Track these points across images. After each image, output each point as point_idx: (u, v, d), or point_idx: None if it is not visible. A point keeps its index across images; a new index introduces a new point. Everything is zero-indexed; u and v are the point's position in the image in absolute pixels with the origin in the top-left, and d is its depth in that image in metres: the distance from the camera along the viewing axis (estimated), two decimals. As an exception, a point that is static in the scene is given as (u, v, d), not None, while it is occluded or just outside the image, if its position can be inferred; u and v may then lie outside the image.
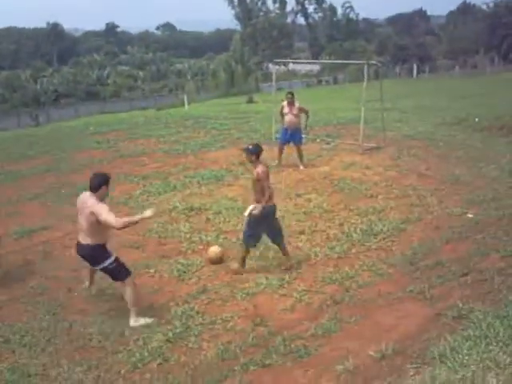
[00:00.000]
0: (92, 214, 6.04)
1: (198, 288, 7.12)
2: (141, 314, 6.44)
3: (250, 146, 7.36)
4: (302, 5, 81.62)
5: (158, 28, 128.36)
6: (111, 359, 5.64)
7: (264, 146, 14.01)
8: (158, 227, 9.27)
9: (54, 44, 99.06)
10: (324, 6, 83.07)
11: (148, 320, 6.37)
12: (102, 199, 6.19)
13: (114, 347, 5.85)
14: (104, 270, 6.39)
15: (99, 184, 6.20)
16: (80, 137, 18.81)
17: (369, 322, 5.80)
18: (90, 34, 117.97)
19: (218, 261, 7.82)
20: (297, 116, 12.77)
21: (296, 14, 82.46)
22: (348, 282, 7.03)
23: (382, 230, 8.72)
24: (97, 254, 6.29)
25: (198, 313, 6.46)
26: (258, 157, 7.25)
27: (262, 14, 74.22)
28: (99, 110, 43.11)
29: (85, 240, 6.27)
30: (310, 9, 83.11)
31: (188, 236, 8.87)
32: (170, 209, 10.20)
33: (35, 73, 65.49)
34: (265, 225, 7.39)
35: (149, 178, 12.49)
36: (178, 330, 6.05)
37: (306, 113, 13.06)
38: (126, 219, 6.25)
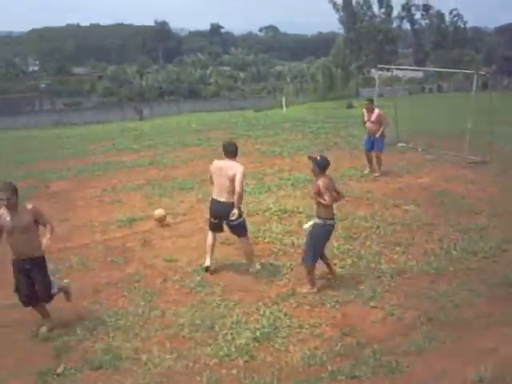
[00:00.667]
0: (235, 174, 7.20)
1: (287, 290, 7.09)
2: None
3: (318, 157, 7.06)
4: (409, 10, 79.55)
5: (261, 30, 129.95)
6: (200, 351, 5.74)
7: (360, 152, 14.09)
8: (251, 226, 9.33)
9: (160, 42, 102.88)
10: (431, 12, 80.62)
11: (258, 266, 7.67)
12: None
13: (203, 339, 5.96)
14: (237, 224, 7.45)
15: (236, 150, 7.51)
16: (182, 133, 19.42)
17: (465, 343, 5.53)
18: (194, 34, 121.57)
19: (163, 219, 9.62)
20: (375, 123, 12.51)
21: (402, 19, 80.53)
22: (444, 300, 6.73)
23: (482, 248, 8.30)
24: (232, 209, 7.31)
25: (286, 315, 6.43)
26: (322, 170, 6.97)
27: (366, 18, 72.99)
28: (200, 108, 44.30)
29: (228, 198, 7.34)
30: (417, 15, 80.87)
31: (280, 237, 8.89)
32: (263, 209, 10.27)
33: (141, 69, 68.30)
34: (325, 241, 7.17)
35: (245, 178, 12.56)
36: (265, 330, 6.06)
37: (384, 122, 12.70)
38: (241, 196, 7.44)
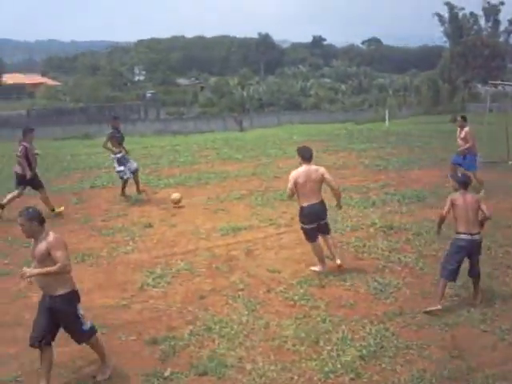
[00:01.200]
0: (322, 175, 7.85)
1: (393, 309, 6.91)
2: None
3: (460, 174, 7.81)
4: (516, 25, 75.80)
5: (363, 42, 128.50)
6: (304, 364, 5.71)
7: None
8: (355, 241, 9.25)
9: (262, 54, 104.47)
10: (541, 26, 76.31)
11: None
12: None
13: (307, 353, 5.92)
14: (326, 222, 8.10)
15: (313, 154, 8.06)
16: (284, 144, 19.55)
17: None
18: (296, 46, 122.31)
19: (179, 201, 11.72)
20: (463, 140, 12.34)
21: (509, 33, 76.86)
22: (560, 328, 6.32)
23: None
24: (326, 206, 8.07)
25: (393, 334, 6.27)
26: (462, 186, 7.19)
27: (473, 32, 70.35)
28: (300, 120, 44.47)
29: (318, 199, 7.92)
30: (527, 29, 76.83)
31: (386, 254, 8.71)
32: (368, 224, 10.11)
33: (242, 80, 69.58)
34: (459, 257, 6.96)
35: (348, 191, 12.51)
36: (372, 349, 5.94)
37: (470, 140, 12.37)
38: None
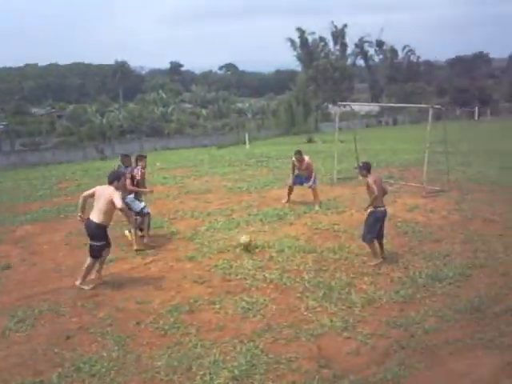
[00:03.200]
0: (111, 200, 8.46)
1: (262, 326, 7.14)
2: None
3: (361, 164, 9.45)
4: (362, 47, 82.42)
5: (220, 68, 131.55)
6: (179, 393, 5.72)
7: (325, 186, 14.38)
8: (222, 263, 9.43)
9: (120, 81, 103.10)
10: (385, 48, 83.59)
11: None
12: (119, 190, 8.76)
13: (181, 381, 5.93)
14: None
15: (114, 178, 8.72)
16: (147, 172, 19.32)
17: (439, 368, 5.72)
18: (154, 72, 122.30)
19: (248, 244, 10.15)
20: (305, 170, 13.48)
21: (356, 56, 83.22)
22: (413, 327, 6.93)
23: (447, 275, 8.61)
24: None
25: (262, 351, 6.48)
26: (368, 171, 9.15)
27: (323, 55, 75.19)
28: (163, 146, 44.34)
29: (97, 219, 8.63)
30: (371, 51, 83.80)
31: (252, 273, 8.97)
32: (234, 246, 10.35)
33: (101, 108, 67.90)
34: (378, 224, 9.07)
35: (213, 215, 12.72)
36: (243, 368, 6.09)
37: (310, 169, 13.60)
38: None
